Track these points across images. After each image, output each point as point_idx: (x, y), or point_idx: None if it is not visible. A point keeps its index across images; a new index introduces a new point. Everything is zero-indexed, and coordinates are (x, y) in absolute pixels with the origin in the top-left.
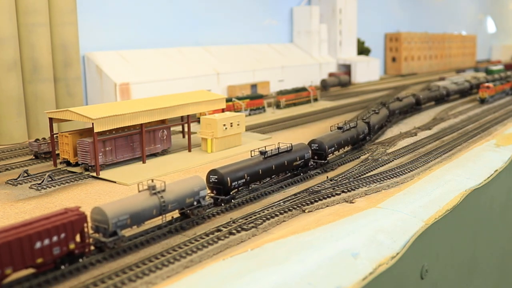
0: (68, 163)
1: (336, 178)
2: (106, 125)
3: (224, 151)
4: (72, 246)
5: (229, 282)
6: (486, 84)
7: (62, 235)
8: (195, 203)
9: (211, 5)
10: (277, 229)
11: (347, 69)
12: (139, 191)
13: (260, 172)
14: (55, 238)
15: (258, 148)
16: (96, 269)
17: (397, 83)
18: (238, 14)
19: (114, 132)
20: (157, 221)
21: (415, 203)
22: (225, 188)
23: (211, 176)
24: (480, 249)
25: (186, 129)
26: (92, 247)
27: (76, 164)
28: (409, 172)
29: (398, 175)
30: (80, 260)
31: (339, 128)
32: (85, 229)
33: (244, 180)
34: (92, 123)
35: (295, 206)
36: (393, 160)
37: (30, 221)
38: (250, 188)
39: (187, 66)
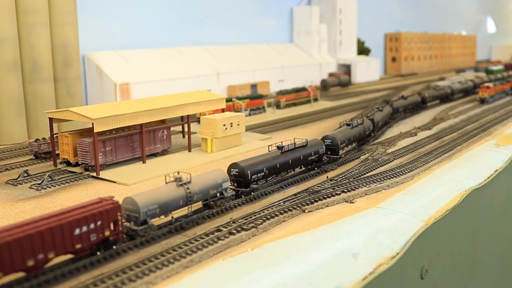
0: (68, 163)
1: (336, 178)
2: (106, 125)
3: (224, 151)
4: (107, 233)
5: (229, 282)
6: (486, 84)
7: (99, 223)
8: (218, 194)
9: (211, 5)
10: (277, 229)
11: (347, 69)
12: (166, 183)
13: (278, 166)
14: (92, 226)
15: (275, 143)
16: (96, 269)
17: (397, 83)
18: (238, 14)
19: (114, 132)
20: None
21: (415, 203)
22: (245, 181)
23: (232, 169)
24: (480, 249)
25: (186, 129)
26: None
27: (76, 164)
28: (409, 172)
29: (398, 175)
30: (114, 247)
31: (347, 124)
32: (119, 218)
33: (263, 173)
34: (92, 123)
35: (295, 206)
36: (393, 160)
37: (68, 209)
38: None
39: (187, 66)
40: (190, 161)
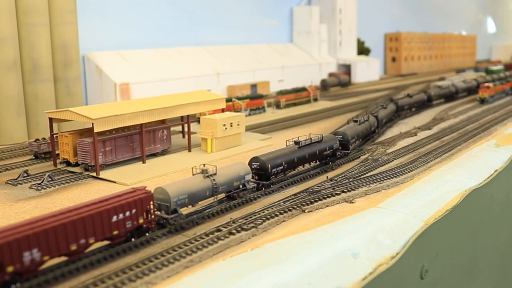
0: (68, 163)
1: (336, 178)
2: (106, 125)
3: (224, 151)
4: (141, 220)
5: (229, 282)
6: (486, 84)
7: (133, 211)
8: (241, 186)
9: (211, 5)
10: (277, 229)
11: (347, 69)
12: (193, 174)
13: (296, 160)
14: (127, 213)
15: (292, 138)
16: (96, 269)
17: (397, 83)
18: (238, 14)
19: (114, 132)
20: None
21: (415, 203)
22: (266, 174)
23: (253, 163)
24: (480, 249)
25: (186, 129)
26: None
27: (76, 164)
28: (409, 172)
29: (398, 175)
30: (147, 234)
31: (354, 121)
32: (151, 206)
33: (282, 167)
34: (92, 123)
35: (295, 206)
36: (393, 160)
37: (106, 198)
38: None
39: (187, 66)
40: (190, 161)
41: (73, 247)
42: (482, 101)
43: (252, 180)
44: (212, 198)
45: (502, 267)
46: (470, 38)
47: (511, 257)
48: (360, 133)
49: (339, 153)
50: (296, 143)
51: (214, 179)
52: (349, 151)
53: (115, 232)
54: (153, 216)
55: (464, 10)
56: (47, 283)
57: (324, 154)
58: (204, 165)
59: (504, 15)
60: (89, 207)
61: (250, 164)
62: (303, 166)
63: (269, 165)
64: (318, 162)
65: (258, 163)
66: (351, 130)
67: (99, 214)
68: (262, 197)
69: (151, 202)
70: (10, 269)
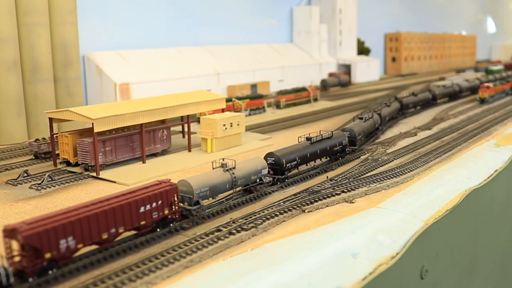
0: (68, 163)
1: (336, 178)
2: (106, 125)
3: (224, 151)
4: (166, 211)
5: (229, 282)
6: (486, 84)
7: (159, 202)
8: (258, 180)
9: (211, 5)
10: (277, 229)
11: (347, 69)
12: (213, 168)
13: (308, 156)
14: (154, 204)
15: (304, 135)
16: (96, 269)
17: (397, 83)
18: (238, 14)
19: (114, 132)
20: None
21: (415, 203)
22: (281, 169)
23: (268, 158)
24: (480, 249)
25: (186, 129)
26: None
27: (76, 164)
28: (409, 172)
29: (398, 175)
30: (171, 224)
31: (360, 118)
32: (175, 198)
33: (295, 162)
34: (92, 123)
35: (295, 206)
36: (393, 160)
37: (134, 190)
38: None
39: (187, 66)
40: (190, 161)
41: (104, 236)
42: (482, 101)
43: (267, 174)
44: (232, 190)
45: (502, 267)
46: (470, 38)
47: (511, 257)
48: (365, 130)
49: (348, 149)
50: (308, 139)
51: (233, 173)
52: (356, 147)
53: (143, 222)
54: (177, 208)
55: (464, 10)
56: (47, 283)
57: (334, 150)
58: (223, 159)
59: (504, 15)
60: (119, 198)
61: (265, 159)
62: (315, 162)
63: (283, 160)
64: (328, 158)
65: (273, 158)
66: (358, 127)
67: (128, 204)
68: (277, 191)
69: (176, 194)
70: (47, 255)
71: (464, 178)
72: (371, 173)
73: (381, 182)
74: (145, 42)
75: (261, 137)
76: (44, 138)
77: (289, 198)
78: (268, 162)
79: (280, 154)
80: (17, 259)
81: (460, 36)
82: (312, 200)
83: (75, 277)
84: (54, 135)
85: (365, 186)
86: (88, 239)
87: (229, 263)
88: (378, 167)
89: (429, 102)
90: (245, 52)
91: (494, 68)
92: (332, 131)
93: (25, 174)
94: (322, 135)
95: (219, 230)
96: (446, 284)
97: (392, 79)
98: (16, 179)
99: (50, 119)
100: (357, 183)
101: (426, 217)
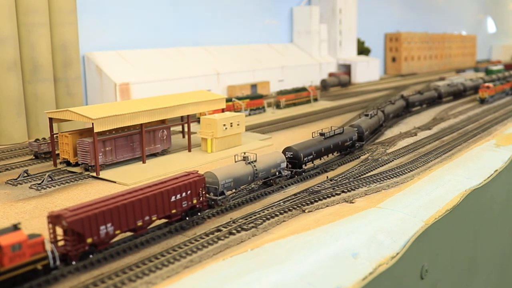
0: (68, 163)
1: (336, 178)
2: (106, 125)
3: (224, 151)
4: (194, 201)
5: (229, 282)
6: (486, 84)
7: (189, 192)
8: (277, 173)
9: (211, 5)
10: (277, 229)
11: (347, 69)
12: (235, 161)
13: (323, 150)
14: (184, 194)
15: (317, 130)
16: (96, 269)
17: (397, 83)
18: (238, 14)
19: (114, 132)
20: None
21: (415, 203)
22: (299, 162)
23: (287, 153)
24: (480, 249)
25: (186, 129)
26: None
27: (76, 164)
28: (409, 172)
29: (398, 175)
30: (199, 213)
31: (365, 115)
32: (202, 188)
33: (312, 156)
34: (92, 123)
35: (295, 206)
36: (393, 160)
37: (165, 180)
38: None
39: (187, 66)
40: (190, 161)
41: (139, 223)
42: (482, 101)
43: (286, 168)
44: (253, 183)
45: (502, 267)
46: (470, 38)
47: (511, 257)
48: (371, 126)
49: (357, 144)
50: (322, 134)
51: (255, 166)
52: (363, 142)
53: (173, 211)
54: (204, 197)
55: (464, 10)
56: (47, 283)
57: (345, 145)
58: (244, 153)
59: (504, 15)
60: (152, 188)
61: (283, 153)
62: (327, 156)
63: (301, 154)
64: (339, 153)
65: (291, 153)
66: (365, 123)
67: (160, 194)
68: (295, 184)
69: (203, 185)
70: (89, 240)
71: (464, 178)
72: (371, 173)
73: (381, 182)
74: (145, 42)
75: (261, 137)
76: (44, 138)
77: (289, 198)
78: (286, 156)
79: (298, 148)
80: (61, 243)
81: (460, 36)
82: (312, 200)
83: (75, 277)
84: (54, 135)
85: (365, 186)
86: (125, 226)
87: (229, 263)
88: (378, 167)
89: (435, 101)
90: (245, 52)
91: (494, 68)
92: (343, 127)
93: (25, 174)
94: (334, 130)
95: (219, 230)
96: (446, 284)
97: (392, 79)
98: (16, 179)
99: (50, 119)
100: (357, 183)
101: (426, 217)
